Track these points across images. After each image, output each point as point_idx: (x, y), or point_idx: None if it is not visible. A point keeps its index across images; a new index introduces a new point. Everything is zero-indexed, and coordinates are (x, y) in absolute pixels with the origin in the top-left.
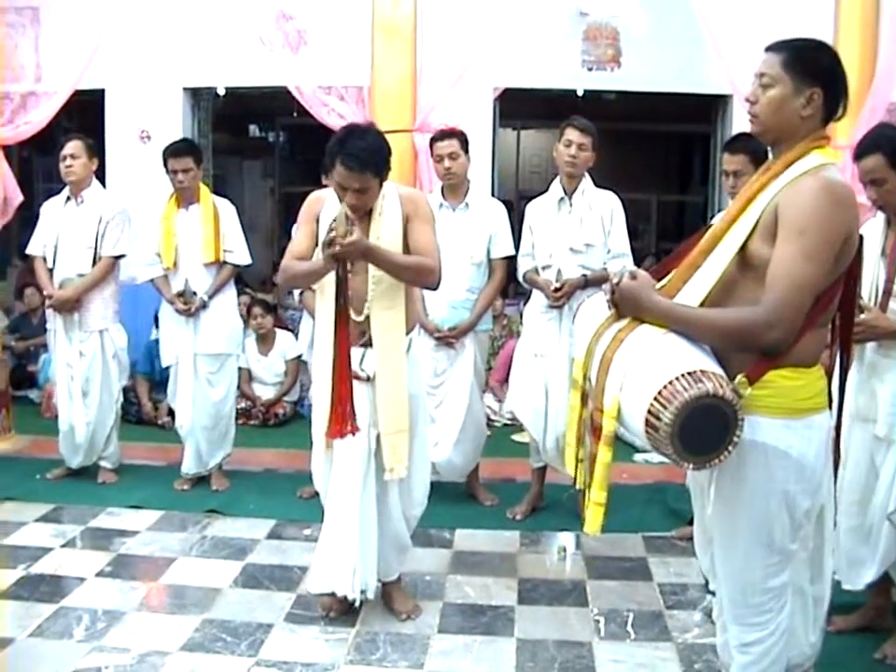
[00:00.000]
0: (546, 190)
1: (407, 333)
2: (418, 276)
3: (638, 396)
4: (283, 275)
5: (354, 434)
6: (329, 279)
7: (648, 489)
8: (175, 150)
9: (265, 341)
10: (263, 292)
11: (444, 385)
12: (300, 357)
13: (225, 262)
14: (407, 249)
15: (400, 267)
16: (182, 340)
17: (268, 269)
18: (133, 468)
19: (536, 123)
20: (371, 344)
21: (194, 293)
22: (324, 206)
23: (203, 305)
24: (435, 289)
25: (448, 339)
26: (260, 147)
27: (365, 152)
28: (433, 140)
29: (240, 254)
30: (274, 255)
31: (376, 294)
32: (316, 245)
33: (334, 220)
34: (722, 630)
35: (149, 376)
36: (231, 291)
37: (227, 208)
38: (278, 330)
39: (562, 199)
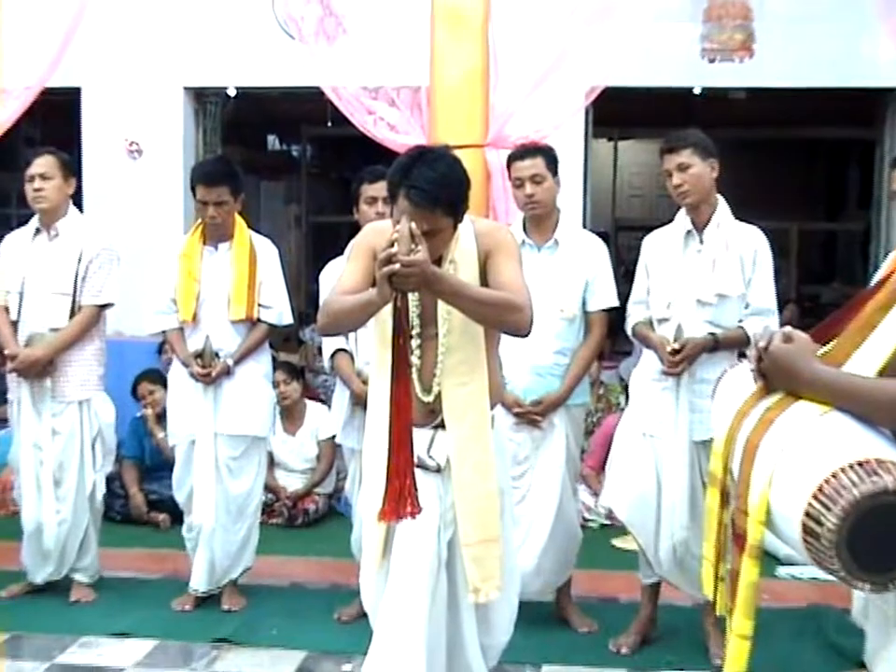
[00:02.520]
0: (666, 221)
1: (489, 409)
2: (503, 316)
3: (793, 493)
4: (324, 314)
5: (414, 516)
6: (388, 322)
7: (797, 616)
8: (206, 176)
9: (291, 416)
10: (286, 352)
11: (527, 476)
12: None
13: (259, 320)
14: None
15: (478, 302)
16: (198, 414)
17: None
18: (118, 582)
19: (637, 132)
20: (443, 426)
21: (216, 354)
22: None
23: (227, 371)
24: (526, 335)
25: (532, 416)
26: (283, 163)
27: (436, 185)
28: (511, 158)
29: (279, 311)
30: (301, 303)
31: (448, 366)
32: (373, 284)
33: (395, 232)
34: None
35: (139, 461)
36: (264, 357)
37: (267, 251)
38: (308, 402)
39: (689, 233)
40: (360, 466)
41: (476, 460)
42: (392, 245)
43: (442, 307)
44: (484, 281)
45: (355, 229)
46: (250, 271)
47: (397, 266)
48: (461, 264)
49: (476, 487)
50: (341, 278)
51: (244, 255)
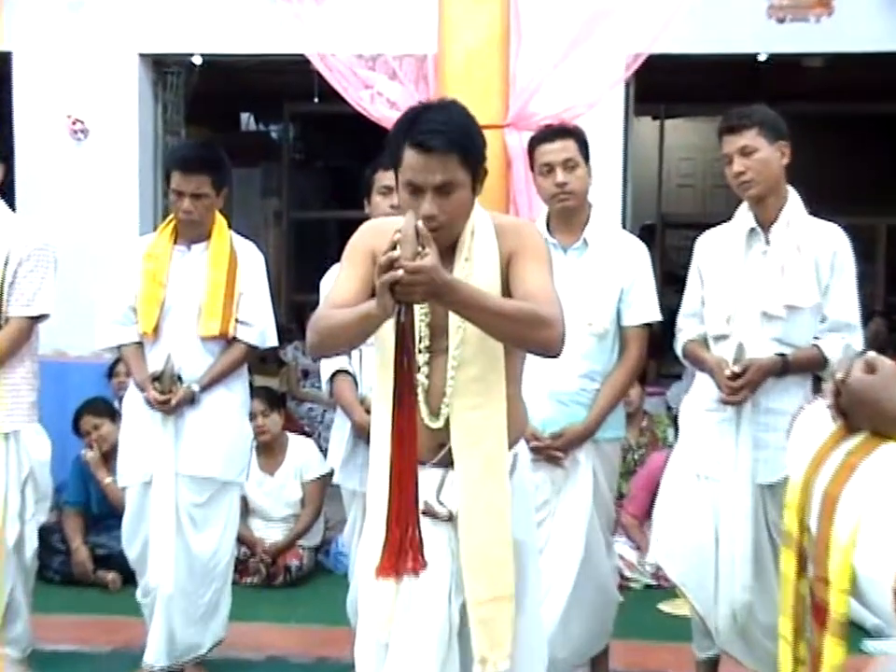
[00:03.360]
0: (725, 218)
1: (510, 446)
2: (529, 333)
3: (882, 554)
4: (314, 331)
5: (417, 573)
6: (390, 339)
7: None
8: (184, 161)
9: (270, 452)
10: (264, 375)
11: (547, 524)
12: (325, 477)
13: (235, 339)
14: None
15: (500, 315)
16: (155, 451)
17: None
18: (57, 657)
19: (689, 108)
20: (452, 464)
21: (179, 377)
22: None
23: (192, 399)
24: (556, 355)
25: (552, 452)
26: (259, 148)
27: (449, 126)
28: (536, 141)
29: (261, 329)
30: (282, 315)
31: (459, 382)
32: (372, 295)
33: (398, 233)
34: None
35: (83, 508)
36: (239, 384)
37: (251, 257)
38: (290, 436)
39: (753, 232)
40: (363, 511)
41: (488, 501)
42: (394, 248)
43: (454, 316)
44: (507, 289)
45: (345, 226)
46: (228, 278)
47: (400, 273)
48: (478, 264)
49: (487, 533)
50: (333, 288)
51: (222, 259)
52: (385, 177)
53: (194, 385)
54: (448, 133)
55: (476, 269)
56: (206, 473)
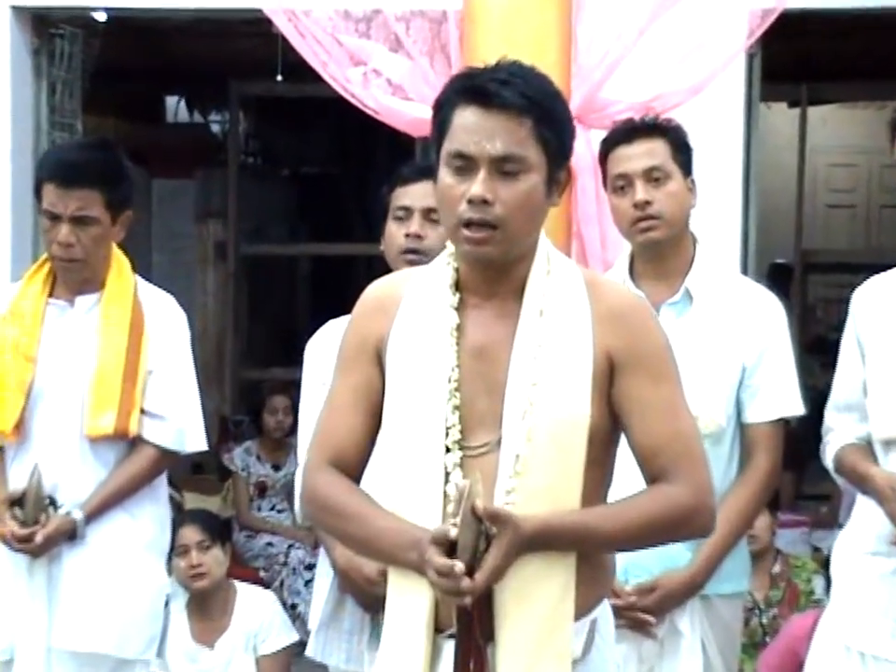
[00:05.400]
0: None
1: (585, 610)
2: (667, 536)
3: None
4: (312, 504)
5: None
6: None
7: None
8: (61, 169)
9: (207, 609)
10: (200, 492)
11: None
12: (290, 648)
13: (141, 440)
14: (613, 429)
15: (623, 534)
16: (19, 613)
17: (210, 437)
18: None
19: (843, 90)
20: (491, 637)
21: (52, 501)
22: (395, 318)
23: (73, 535)
24: (706, 535)
25: (640, 614)
26: (194, 148)
27: (525, 80)
28: (608, 143)
29: (179, 426)
30: (227, 398)
31: (515, 502)
32: (379, 421)
33: (452, 501)
34: None
35: None
36: (148, 510)
37: (165, 315)
38: (239, 586)
39: None
40: None
41: None
42: (443, 545)
43: (516, 395)
44: (599, 402)
45: (322, 267)
46: (130, 349)
47: (465, 593)
48: (559, 332)
49: None
50: (328, 412)
51: (120, 320)
52: (403, 196)
53: (76, 511)
54: (521, 88)
55: (555, 340)
56: (93, 648)
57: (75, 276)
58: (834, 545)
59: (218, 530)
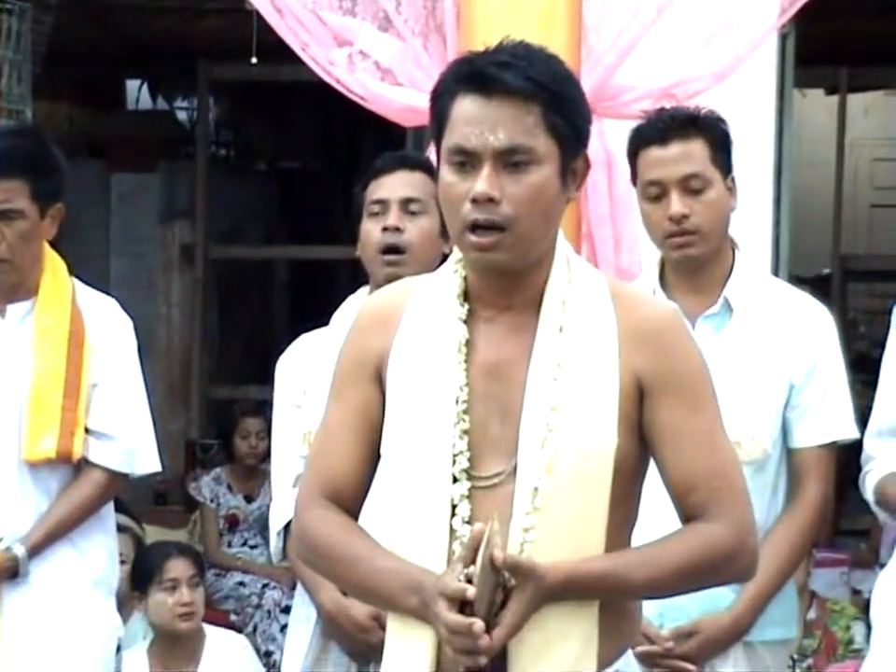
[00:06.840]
0: None
1: (608, 663)
2: (707, 581)
3: None
4: (303, 543)
5: None
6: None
7: None
8: None
9: (172, 652)
10: (161, 524)
11: None
12: None
13: (88, 462)
14: (640, 452)
15: (661, 580)
16: None
17: (175, 464)
18: None
19: (887, 75)
20: None
21: None
22: (397, 332)
23: (15, 572)
24: (747, 579)
25: (677, 663)
26: (158, 137)
27: (530, 61)
28: (639, 140)
29: (128, 445)
30: (194, 421)
31: (535, 541)
32: (378, 447)
33: (464, 547)
34: None
35: None
36: (98, 539)
37: (109, 322)
38: (209, 630)
39: None
40: None
41: None
42: (456, 603)
43: (534, 420)
44: (626, 429)
45: (301, 273)
46: (70, 361)
47: (483, 653)
48: (582, 350)
49: None
50: (322, 439)
51: (58, 329)
52: (377, 189)
53: (16, 546)
54: (526, 71)
55: (576, 359)
56: None
57: (2, 280)
58: (875, 587)
59: (202, 566)
